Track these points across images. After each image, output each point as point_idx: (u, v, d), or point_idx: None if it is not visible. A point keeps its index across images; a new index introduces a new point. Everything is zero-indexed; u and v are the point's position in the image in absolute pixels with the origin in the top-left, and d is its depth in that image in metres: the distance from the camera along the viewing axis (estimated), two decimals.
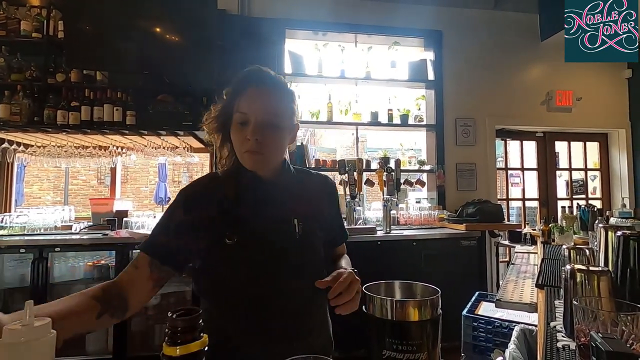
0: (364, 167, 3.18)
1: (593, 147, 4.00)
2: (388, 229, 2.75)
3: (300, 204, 0.91)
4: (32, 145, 2.91)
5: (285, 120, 0.86)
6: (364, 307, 0.50)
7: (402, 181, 3.22)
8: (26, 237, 2.41)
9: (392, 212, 2.99)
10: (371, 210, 3.33)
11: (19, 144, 2.86)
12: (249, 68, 0.88)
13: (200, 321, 0.47)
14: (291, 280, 0.84)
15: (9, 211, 3.02)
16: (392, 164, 3.19)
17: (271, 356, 0.63)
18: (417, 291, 0.58)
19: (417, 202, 3.42)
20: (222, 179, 0.89)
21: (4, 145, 2.76)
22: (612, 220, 2.29)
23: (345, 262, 0.97)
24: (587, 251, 0.96)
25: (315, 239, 0.90)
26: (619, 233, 0.80)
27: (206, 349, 0.46)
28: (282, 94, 0.87)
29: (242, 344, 0.81)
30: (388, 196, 3.03)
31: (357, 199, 2.97)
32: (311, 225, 0.89)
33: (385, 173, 3.14)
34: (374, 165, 3.27)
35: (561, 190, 3.97)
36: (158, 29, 2.58)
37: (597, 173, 3.99)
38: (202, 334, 0.46)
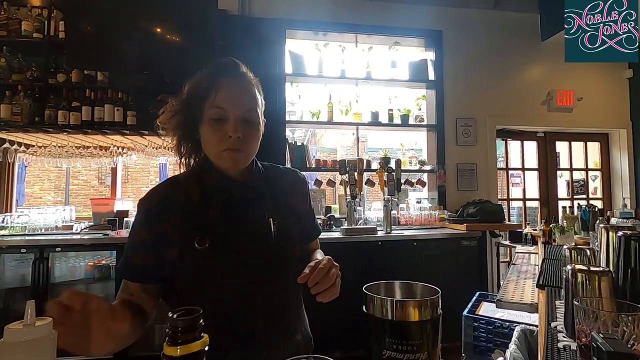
0: (364, 167, 3.18)
1: (594, 147, 3.99)
2: (389, 229, 2.74)
3: (274, 201, 0.87)
4: (33, 146, 2.91)
5: (259, 115, 0.83)
6: (364, 307, 0.50)
7: (402, 181, 3.22)
8: (27, 237, 2.41)
9: (393, 212, 2.99)
10: (372, 210, 3.33)
11: (20, 144, 2.87)
12: (221, 59, 0.82)
13: (201, 321, 0.47)
14: (271, 280, 0.82)
15: (10, 211, 3.03)
16: (392, 164, 3.18)
17: None
18: (417, 291, 0.58)
19: (417, 202, 3.41)
20: (185, 181, 0.83)
21: (5, 146, 2.77)
22: (613, 221, 2.29)
23: (320, 255, 0.94)
24: (588, 251, 0.96)
25: (292, 236, 0.88)
26: (620, 233, 0.80)
27: (207, 349, 0.46)
28: (256, 87, 0.84)
29: (226, 351, 0.77)
30: (388, 196, 3.02)
31: (357, 199, 2.97)
32: (286, 223, 0.86)
33: (385, 173, 3.13)
34: (375, 165, 3.27)
35: (562, 191, 3.96)
36: (159, 29, 2.58)
37: (598, 173, 3.98)
38: (202, 334, 0.46)
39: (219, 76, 0.79)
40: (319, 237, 1.05)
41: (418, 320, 0.44)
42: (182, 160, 0.85)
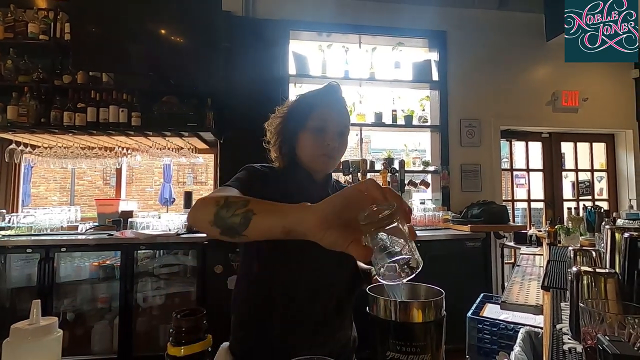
0: (368, 167, 3.18)
1: (600, 147, 3.96)
2: None
3: None
4: (39, 146, 2.94)
5: (349, 132, 1.00)
6: (367, 308, 0.50)
7: (406, 182, 3.21)
8: (33, 237, 2.43)
9: None
10: None
11: (26, 145, 2.90)
12: (327, 85, 0.99)
13: (205, 321, 0.47)
14: (334, 275, 0.91)
15: (16, 211, 3.06)
16: (396, 165, 3.18)
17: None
18: (421, 292, 0.58)
19: (421, 203, 3.40)
20: (280, 172, 0.97)
21: (11, 146, 2.80)
22: (619, 222, 2.26)
23: None
24: (593, 253, 0.95)
25: None
26: (626, 235, 0.79)
27: (210, 349, 0.46)
28: (348, 111, 1.02)
29: (286, 334, 0.87)
30: None
31: None
32: None
33: (389, 174, 3.13)
34: (378, 166, 3.27)
35: (567, 191, 3.93)
36: (163, 31, 2.60)
37: (604, 174, 3.95)
38: (206, 335, 0.46)
39: (325, 95, 0.97)
40: None
41: (422, 321, 0.43)
42: (276, 156, 1.00)
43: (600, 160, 3.97)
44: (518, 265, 2.09)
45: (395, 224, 0.40)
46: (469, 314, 2.00)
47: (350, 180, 3.03)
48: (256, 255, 0.90)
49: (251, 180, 0.89)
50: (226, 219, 0.57)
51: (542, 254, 2.27)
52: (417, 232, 2.46)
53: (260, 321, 0.89)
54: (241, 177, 0.90)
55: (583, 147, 3.95)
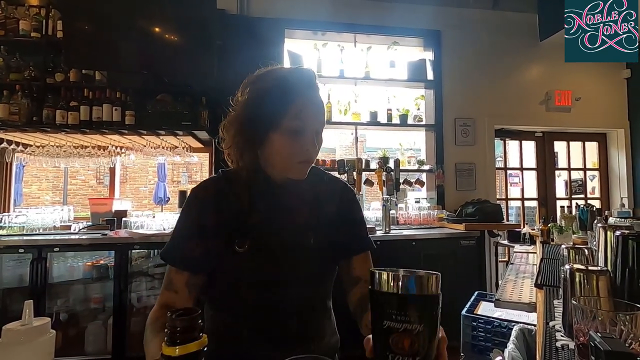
0: (363, 166, 3.18)
1: (592, 147, 4.00)
2: (387, 229, 2.75)
3: (316, 210, 0.86)
4: (31, 145, 2.90)
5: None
6: (370, 286, 0.52)
7: (401, 181, 3.22)
8: (25, 237, 2.41)
9: (392, 212, 2.99)
10: (370, 210, 3.33)
11: (17, 143, 2.86)
12: (297, 69, 0.81)
13: (200, 321, 0.47)
14: (304, 285, 0.83)
15: (8, 211, 3.02)
16: (391, 164, 3.19)
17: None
18: (420, 274, 0.61)
19: (416, 201, 3.42)
20: (236, 181, 0.82)
21: (2, 145, 2.76)
22: (611, 220, 2.29)
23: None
24: (586, 251, 0.96)
25: (329, 248, 0.86)
26: (617, 233, 0.80)
27: (205, 349, 0.46)
28: (324, 103, 0.84)
29: (245, 353, 0.80)
30: (387, 196, 3.03)
31: None
32: (326, 234, 0.85)
33: (384, 173, 3.14)
34: (373, 165, 3.27)
35: (560, 190, 3.97)
36: (157, 29, 2.58)
37: (596, 173, 3.99)
38: (201, 334, 0.46)
39: (301, 87, 0.77)
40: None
41: (419, 294, 0.46)
42: (232, 158, 0.84)
43: (593, 159, 4.01)
44: (512, 264, 2.10)
45: None
46: (463, 312, 2.01)
47: (345, 180, 3.03)
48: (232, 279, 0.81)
49: (197, 224, 0.79)
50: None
51: (535, 252, 2.30)
52: (412, 230, 2.45)
53: (230, 335, 0.82)
54: (177, 239, 0.79)
55: (576, 146, 3.99)
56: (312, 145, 0.78)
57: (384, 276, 0.46)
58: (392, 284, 0.46)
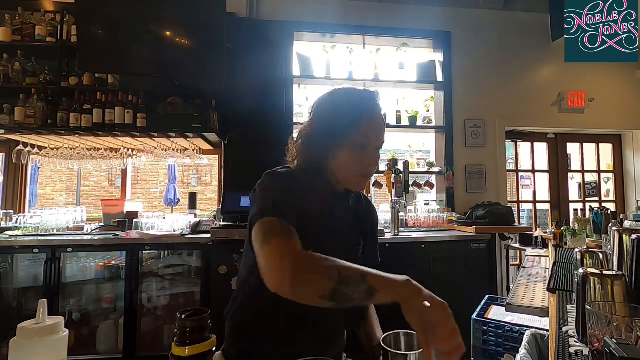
0: None
1: (606, 148, 3.92)
2: (396, 232, 2.73)
3: (358, 225, 0.97)
4: (46, 147, 2.97)
5: None
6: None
7: (410, 183, 3.20)
8: (39, 238, 2.46)
9: (401, 214, 2.98)
10: (379, 212, 3.29)
11: (33, 146, 2.93)
12: (364, 90, 0.90)
13: (209, 322, 0.47)
14: None
15: (23, 212, 3.09)
16: (400, 166, 3.17)
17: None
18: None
19: (425, 204, 3.39)
20: (306, 182, 0.85)
21: (18, 147, 2.83)
22: (627, 223, 2.25)
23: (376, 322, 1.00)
24: (600, 255, 0.94)
25: (363, 258, 0.97)
26: (633, 236, 0.78)
27: (214, 349, 0.46)
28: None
29: (280, 340, 0.85)
30: (396, 198, 3.01)
31: None
32: (365, 244, 0.97)
33: (393, 175, 3.12)
34: (382, 167, 3.26)
35: (573, 193, 3.90)
36: (168, 33, 2.62)
37: (611, 175, 3.91)
38: (210, 335, 0.46)
39: (369, 107, 0.87)
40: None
41: None
42: (297, 165, 0.92)
43: (607, 161, 3.93)
44: (523, 267, 2.07)
45: None
46: (473, 316, 1.98)
47: None
48: None
49: (291, 202, 0.77)
50: (347, 296, 0.60)
51: (547, 256, 2.26)
52: (421, 233, 2.48)
53: (264, 327, 0.86)
54: (281, 202, 0.76)
55: (589, 148, 3.91)
56: (373, 160, 0.87)
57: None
58: None
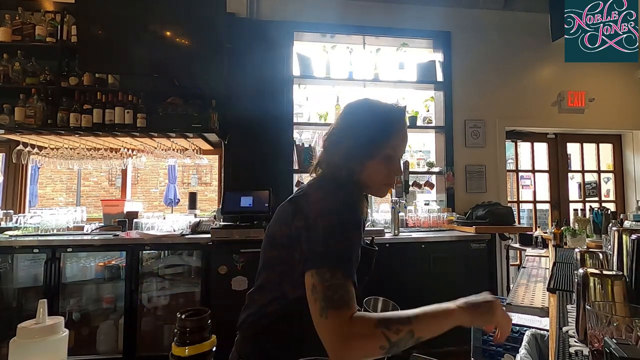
0: None
1: (606, 148, 3.92)
2: (396, 231, 2.73)
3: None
4: (46, 148, 2.97)
5: None
6: None
7: (410, 183, 3.20)
8: (40, 238, 2.46)
9: (401, 214, 2.98)
10: (379, 212, 3.31)
11: (33, 146, 2.92)
12: (394, 105, 0.96)
13: (209, 322, 0.47)
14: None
15: (23, 212, 3.09)
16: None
17: None
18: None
19: (425, 204, 3.39)
20: (358, 199, 0.90)
21: (18, 147, 2.83)
22: (627, 223, 2.24)
23: None
24: (600, 255, 0.94)
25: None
26: (633, 236, 0.78)
27: (214, 349, 0.46)
28: None
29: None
30: (396, 198, 3.01)
31: None
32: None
33: None
34: None
35: (573, 193, 3.90)
36: (168, 33, 2.62)
37: (611, 175, 3.91)
38: (210, 335, 0.46)
39: (399, 123, 0.94)
40: None
41: None
42: (316, 166, 0.99)
43: (607, 161, 3.93)
44: (523, 267, 2.07)
45: None
46: None
47: None
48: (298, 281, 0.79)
49: (357, 245, 0.79)
50: (398, 349, 0.68)
51: (547, 256, 2.26)
52: (421, 233, 2.51)
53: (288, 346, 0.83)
54: (351, 247, 0.76)
55: (589, 148, 3.91)
56: (399, 171, 0.94)
57: None
58: None
